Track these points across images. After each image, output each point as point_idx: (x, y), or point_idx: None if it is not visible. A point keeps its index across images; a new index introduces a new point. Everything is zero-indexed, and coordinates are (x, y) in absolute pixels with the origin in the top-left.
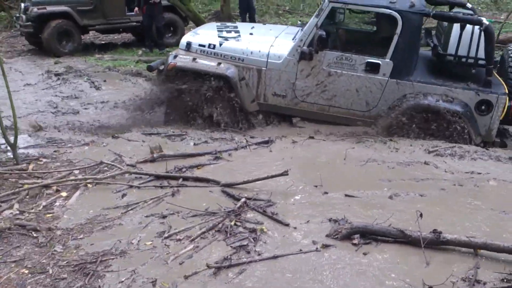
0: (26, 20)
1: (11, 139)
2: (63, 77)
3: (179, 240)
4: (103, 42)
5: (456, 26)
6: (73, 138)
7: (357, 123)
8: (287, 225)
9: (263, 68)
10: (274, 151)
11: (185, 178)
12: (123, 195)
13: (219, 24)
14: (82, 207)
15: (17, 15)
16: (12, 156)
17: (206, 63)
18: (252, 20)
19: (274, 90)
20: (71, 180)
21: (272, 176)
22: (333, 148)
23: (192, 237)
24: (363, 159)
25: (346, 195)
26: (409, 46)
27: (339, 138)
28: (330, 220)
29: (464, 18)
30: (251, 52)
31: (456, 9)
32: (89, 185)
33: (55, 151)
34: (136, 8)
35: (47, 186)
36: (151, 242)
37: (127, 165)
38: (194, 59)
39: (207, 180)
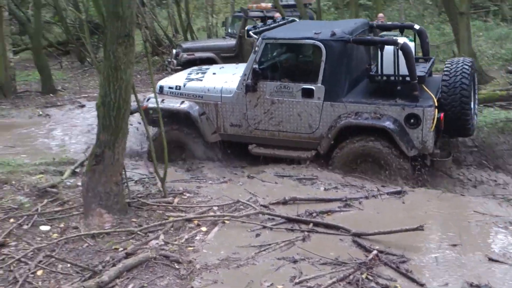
0: (177, 65)
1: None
2: None
3: (310, 287)
4: None
5: (386, 49)
6: (212, 176)
7: (304, 145)
8: (422, 285)
9: (218, 102)
10: (407, 203)
11: (316, 224)
12: (257, 235)
13: (196, 67)
14: (219, 243)
15: (169, 59)
16: (160, 189)
17: (171, 103)
18: None
19: (230, 121)
20: (211, 216)
21: (406, 230)
22: (471, 204)
23: (323, 286)
24: (508, 219)
25: (490, 259)
26: (337, 71)
27: (476, 195)
28: (471, 285)
29: (380, 40)
30: (208, 89)
31: (385, 33)
32: (226, 221)
33: (197, 187)
34: None
35: (189, 220)
36: (282, 286)
37: (261, 205)
38: (162, 100)
39: (337, 228)
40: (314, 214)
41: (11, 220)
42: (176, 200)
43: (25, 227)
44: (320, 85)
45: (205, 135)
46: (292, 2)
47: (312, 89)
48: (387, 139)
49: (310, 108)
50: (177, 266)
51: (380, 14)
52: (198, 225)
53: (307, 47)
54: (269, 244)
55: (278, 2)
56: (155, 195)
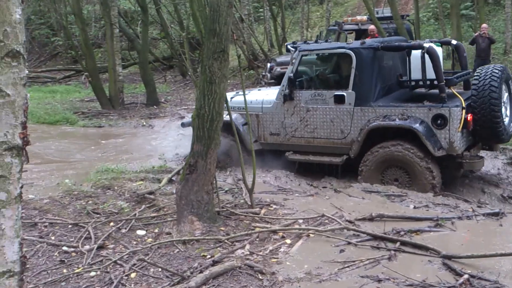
0: (271, 78)
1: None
2: None
3: None
4: None
5: (413, 54)
6: (299, 189)
7: (337, 150)
8: None
9: (259, 113)
10: (505, 225)
11: (403, 243)
12: (341, 251)
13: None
14: (303, 256)
15: (263, 73)
16: (248, 200)
17: None
18: None
19: (270, 130)
20: (296, 228)
21: (502, 255)
22: None
23: None
24: None
25: None
26: (366, 77)
27: None
28: None
29: (407, 46)
30: (251, 102)
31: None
32: (311, 235)
33: (284, 199)
34: None
35: (274, 232)
36: None
37: (346, 220)
38: None
39: (426, 248)
40: (402, 233)
41: (111, 223)
42: (262, 211)
43: (123, 230)
44: (351, 91)
45: (246, 144)
46: (389, 14)
47: (343, 95)
48: (416, 143)
49: (342, 113)
50: (260, 277)
51: (484, 25)
52: (283, 237)
53: (339, 56)
54: (353, 261)
55: (374, 15)
56: (243, 205)
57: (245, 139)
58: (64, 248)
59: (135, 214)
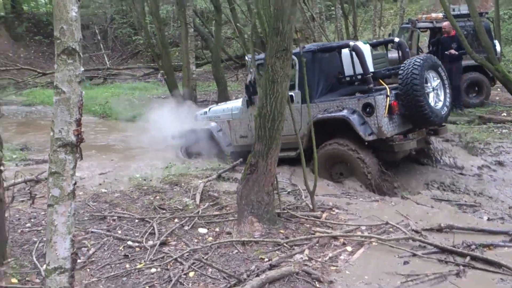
0: None
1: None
2: None
3: None
4: None
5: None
6: (364, 194)
7: (295, 145)
8: None
9: (230, 119)
10: None
11: (474, 258)
12: (405, 262)
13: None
14: (364, 266)
15: None
16: (309, 203)
17: (200, 124)
18: None
19: (240, 134)
20: (358, 235)
21: None
22: None
23: None
24: None
25: None
26: (308, 77)
27: None
28: None
29: (336, 45)
30: (223, 110)
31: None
32: (373, 243)
33: (347, 203)
34: None
35: (335, 238)
36: None
37: (412, 230)
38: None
39: (499, 265)
40: (473, 247)
41: (176, 220)
42: (324, 215)
43: (186, 228)
44: (297, 91)
45: (222, 147)
46: (465, 11)
47: (292, 95)
48: (353, 134)
49: (294, 111)
50: (318, 285)
51: None
52: (344, 244)
53: None
54: (417, 275)
55: (449, 12)
56: (305, 208)
57: (220, 143)
58: (129, 242)
59: (198, 212)
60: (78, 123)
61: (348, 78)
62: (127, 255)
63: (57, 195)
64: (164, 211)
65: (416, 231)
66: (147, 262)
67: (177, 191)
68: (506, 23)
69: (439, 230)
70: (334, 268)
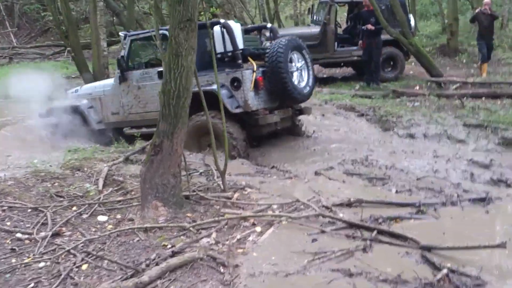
0: None
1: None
2: None
3: None
4: (324, 76)
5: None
6: (278, 172)
7: None
8: None
9: (102, 96)
10: (491, 213)
11: (380, 231)
12: (313, 240)
13: None
14: (272, 246)
15: None
16: (221, 183)
17: (70, 101)
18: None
19: (111, 110)
20: (268, 215)
21: (485, 247)
22: None
23: None
24: None
25: None
26: None
27: None
28: None
29: (210, 23)
30: (95, 87)
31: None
32: (283, 222)
33: (260, 182)
34: (360, 42)
35: (245, 218)
36: None
37: (323, 206)
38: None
39: (404, 238)
40: (380, 220)
41: (74, 208)
42: (235, 195)
43: (84, 216)
44: None
45: (92, 124)
46: None
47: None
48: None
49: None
50: (222, 270)
51: (487, 0)
52: (254, 224)
53: (162, 38)
54: (325, 252)
55: None
56: (216, 189)
57: (89, 120)
58: (18, 235)
59: (100, 198)
60: None
61: (219, 55)
62: (14, 249)
63: None
64: (61, 199)
65: (327, 207)
66: (36, 256)
67: (78, 177)
68: None
69: (349, 205)
70: (241, 250)
